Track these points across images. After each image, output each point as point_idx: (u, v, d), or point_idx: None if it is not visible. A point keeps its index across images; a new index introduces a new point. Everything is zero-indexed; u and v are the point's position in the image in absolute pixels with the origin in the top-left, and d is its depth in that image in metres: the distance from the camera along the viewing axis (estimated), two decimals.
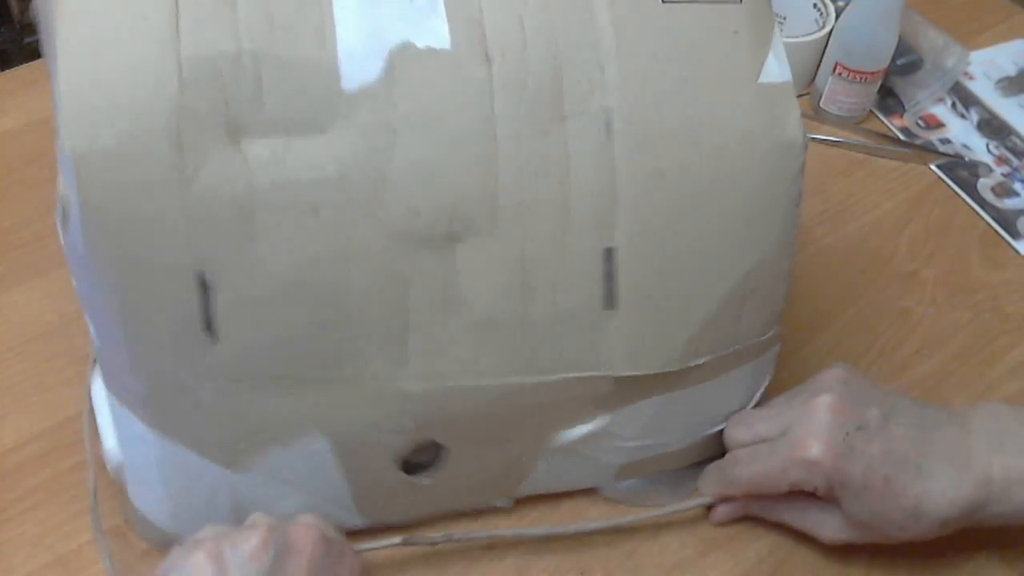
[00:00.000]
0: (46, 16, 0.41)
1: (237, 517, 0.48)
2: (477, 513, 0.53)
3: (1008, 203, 0.72)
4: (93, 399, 0.50)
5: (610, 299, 0.45)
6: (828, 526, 0.50)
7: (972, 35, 0.85)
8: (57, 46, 0.38)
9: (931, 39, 0.81)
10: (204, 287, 0.41)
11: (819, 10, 0.78)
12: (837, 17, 0.75)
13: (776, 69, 0.46)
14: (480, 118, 0.42)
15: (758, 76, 0.45)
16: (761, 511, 0.53)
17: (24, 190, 0.68)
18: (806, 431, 0.47)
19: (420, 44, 0.41)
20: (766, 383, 0.54)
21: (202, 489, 0.47)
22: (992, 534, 0.53)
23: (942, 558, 0.53)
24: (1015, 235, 0.70)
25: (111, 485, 0.54)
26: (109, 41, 0.38)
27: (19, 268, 0.64)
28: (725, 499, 0.53)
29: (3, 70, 0.77)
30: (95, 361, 0.53)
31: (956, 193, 0.73)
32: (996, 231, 0.71)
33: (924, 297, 0.66)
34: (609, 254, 0.44)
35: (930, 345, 0.63)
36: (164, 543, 0.50)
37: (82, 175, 0.38)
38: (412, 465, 0.49)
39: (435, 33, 0.41)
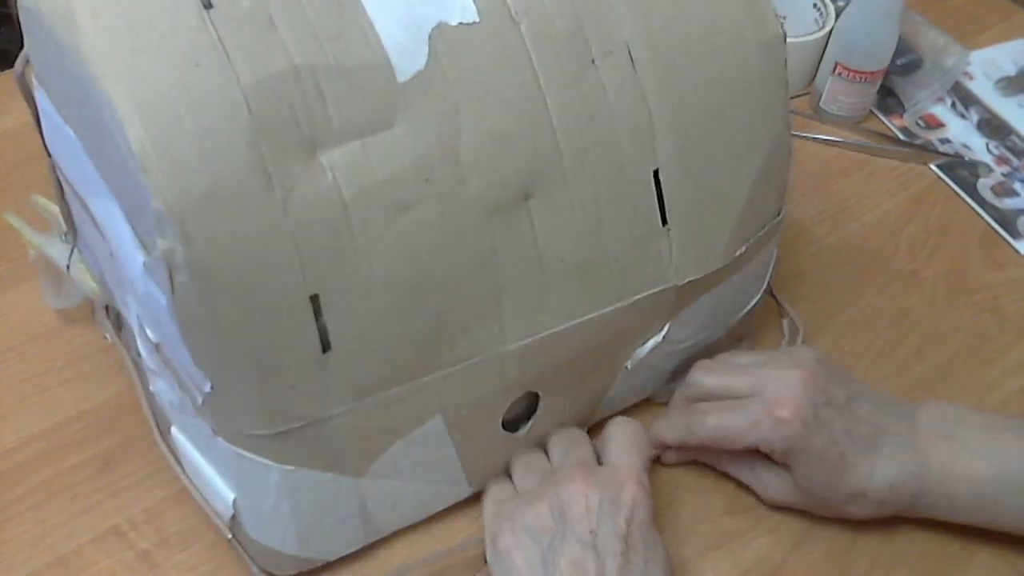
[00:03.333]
0: (71, 76, 0.40)
1: (363, 522, 0.50)
2: None
3: (1008, 203, 0.73)
4: (181, 454, 0.51)
5: (664, 216, 0.49)
6: (773, 486, 0.53)
7: (972, 35, 0.85)
8: (115, 107, 0.37)
9: (931, 39, 0.81)
10: (317, 309, 0.41)
11: (819, 10, 0.78)
12: (837, 17, 0.75)
13: None
14: (525, 77, 0.44)
15: None
16: (712, 460, 0.56)
17: (24, 190, 0.68)
18: (780, 394, 0.50)
19: (453, 22, 0.43)
20: (772, 264, 0.58)
21: (331, 505, 0.48)
22: (993, 534, 0.53)
23: (944, 560, 0.53)
24: (1015, 235, 0.70)
25: (111, 485, 0.54)
26: (165, 86, 0.38)
27: (19, 268, 0.64)
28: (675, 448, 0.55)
29: (3, 70, 0.77)
30: (157, 421, 0.53)
31: (956, 193, 0.73)
32: (996, 231, 0.71)
33: (924, 297, 0.66)
34: (656, 175, 0.48)
35: (930, 345, 0.63)
36: (296, 569, 0.50)
37: (184, 226, 0.38)
38: (507, 421, 0.51)
39: (463, 9, 0.43)
